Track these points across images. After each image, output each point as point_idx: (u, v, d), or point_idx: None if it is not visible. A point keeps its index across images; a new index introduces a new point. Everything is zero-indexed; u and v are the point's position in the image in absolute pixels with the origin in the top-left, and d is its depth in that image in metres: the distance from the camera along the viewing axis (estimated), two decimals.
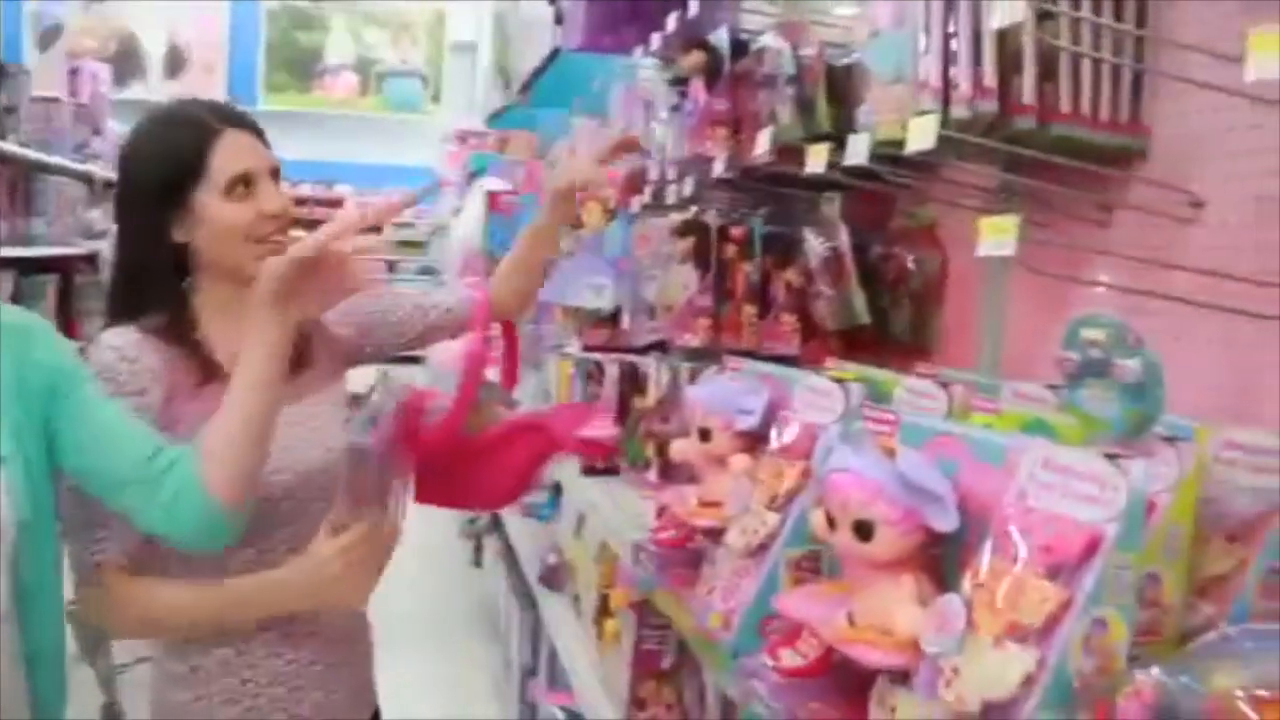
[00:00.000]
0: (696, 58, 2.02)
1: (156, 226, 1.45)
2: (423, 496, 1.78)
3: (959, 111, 1.27)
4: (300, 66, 12.06)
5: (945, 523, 1.01)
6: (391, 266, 9.93)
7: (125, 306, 1.49)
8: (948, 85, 1.29)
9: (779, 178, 2.02)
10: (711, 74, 2.03)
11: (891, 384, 1.51)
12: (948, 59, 1.29)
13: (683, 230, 2.12)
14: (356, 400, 1.48)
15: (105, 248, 5.32)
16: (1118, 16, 1.29)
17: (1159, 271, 1.26)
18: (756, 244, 2.05)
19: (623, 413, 2.48)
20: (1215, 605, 1.06)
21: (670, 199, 2.26)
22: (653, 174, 2.50)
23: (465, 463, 1.74)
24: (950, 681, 0.91)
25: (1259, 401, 1.20)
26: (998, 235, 1.02)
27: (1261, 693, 0.75)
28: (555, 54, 3.04)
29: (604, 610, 2.37)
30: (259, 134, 1.50)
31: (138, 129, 1.50)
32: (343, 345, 1.67)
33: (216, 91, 11.67)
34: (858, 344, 1.97)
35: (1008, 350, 1.66)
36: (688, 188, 2.11)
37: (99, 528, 1.40)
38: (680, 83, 2.32)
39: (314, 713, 1.52)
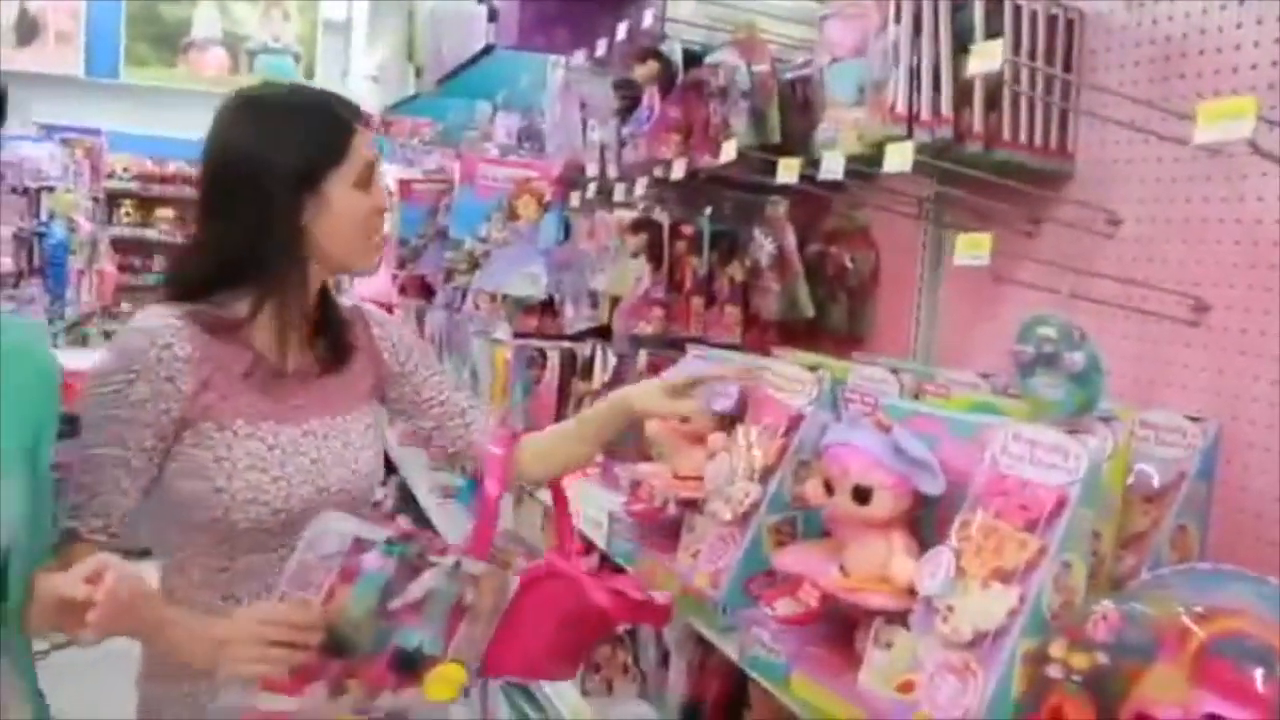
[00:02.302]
0: (651, 67, 2.17)
1: (287, 209, 1.44)
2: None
3: (922, 136, 1.48)
4: (164, 40, 11.62)
5: (934, 487, 1.20)
6: None
7: (196, 285, 1.47)
8: (910, 113, 1.49)
9: (722, 179, 2.20)
10: (665, 83, 2.19)
11: (843, 371, 1.71)
12: (911, 91, 1.49)
13: (635, 227, 2.28)
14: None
15: None
16: (1049, 62, 1.51)
17: (1082, 277, 1.49)
18: (705, 241, 2.22)
19: (562, 395, 2.63)
20: (1136, 556, 1.28)
21: (617, 196, 2.40)
22: (591, 171, 2.64)
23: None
24: (946, 617, 1.10)
25: (1165, 389, 1.44)
26: (973, 249, 1.22)
27: (1199, 609, 0.97)
28: (488, 49, 3.15)
29: None
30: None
31: (264, 113, 1.48)
32: (381, 372, 1.65)
33: (73, 62, 11.17)
34: (794, 334, 2.16)
35: (938, 342, 1.88)
36: (639, 187, 2.26)
37: (80, 493, 1.39)
38: (624, 87, 2.47)
39: None
